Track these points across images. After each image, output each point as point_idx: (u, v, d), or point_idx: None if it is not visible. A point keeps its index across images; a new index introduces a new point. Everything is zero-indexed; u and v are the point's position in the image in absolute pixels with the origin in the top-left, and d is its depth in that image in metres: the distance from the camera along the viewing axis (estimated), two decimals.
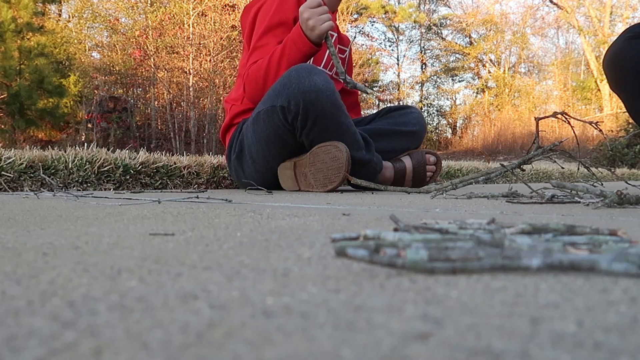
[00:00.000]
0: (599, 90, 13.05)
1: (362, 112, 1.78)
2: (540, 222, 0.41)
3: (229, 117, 1.58)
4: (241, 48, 9.42)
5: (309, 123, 1.32)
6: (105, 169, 1.55)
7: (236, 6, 9.83)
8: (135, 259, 0.35)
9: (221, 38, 8.94)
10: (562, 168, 1.84)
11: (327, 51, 1.53)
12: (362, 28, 14.86)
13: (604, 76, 1.13)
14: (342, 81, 1.31)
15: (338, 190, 1.47)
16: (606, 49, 1.14)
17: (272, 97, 1.34)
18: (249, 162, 1.47)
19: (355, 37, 13.72)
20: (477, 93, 15.55)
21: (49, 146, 2.66)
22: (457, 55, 15.33)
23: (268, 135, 1.39)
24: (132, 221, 0.59)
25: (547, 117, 1.13)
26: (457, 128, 15.16)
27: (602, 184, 1.17)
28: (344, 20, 12.49)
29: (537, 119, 1.13)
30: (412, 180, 1.52)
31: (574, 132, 1.12)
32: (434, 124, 15.36)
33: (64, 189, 1.40)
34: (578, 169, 1.21)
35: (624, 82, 1.06)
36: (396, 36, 15.32)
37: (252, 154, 1.45)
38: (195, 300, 0.24)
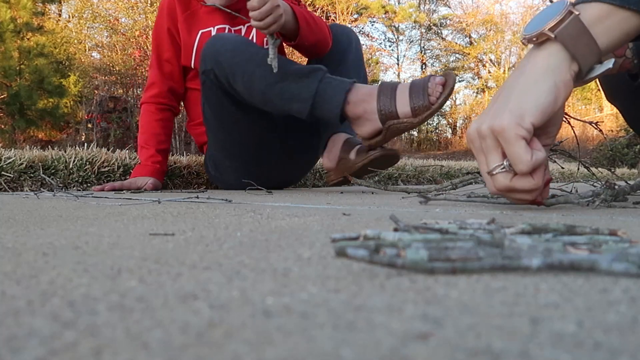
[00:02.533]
0: (599, 90, 13.04)
1: None
2: (540, 222, 0.41)
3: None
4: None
5: (230, 76, 1.22)
6: (106, 169, 1.55)
7: None
8: (135, 259, 0.35)
9: None
10: (562, 168, 1.84)
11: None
12: (362, 28, 14.86)
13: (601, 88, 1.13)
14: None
15: (338, 190, 1.47)
16: None
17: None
18: (228, 170, 1.44)
19: None
20: (477, 93, 15.55)
21: (49, 146, 2.66)
22: (457, 55, 15.34)
23: (220, 121, 1.34)
24: (132, 221, 0.59)
25: None
26: (457, 128, 15.16)
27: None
28: (344, 20, 12.49)
29: None
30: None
31: (574, 132, 1.11)
32: (434, 124, 15.35)
33: (64, 189, 1.40)
34: (578, 169, 1.21)
35: (620, 92, 1.06)
36: (396, 36, 15.32)
37: (225, 160, 1.43)
38: (195, 300, 0.24)
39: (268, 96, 1.18)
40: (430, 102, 1.08)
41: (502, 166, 0.60)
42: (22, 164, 1.42)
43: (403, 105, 1.11)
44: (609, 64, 0.61)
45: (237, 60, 1.21)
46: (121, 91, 9.21)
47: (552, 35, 0.58)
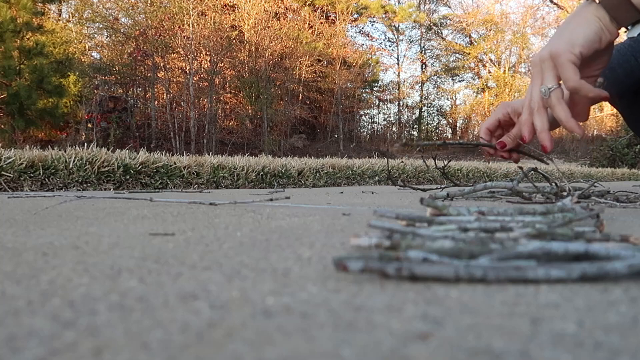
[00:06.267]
0: None
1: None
2: (544, 227, 0.41)
3: None
4: (241, 48, 9.43)
5: None
6: (105, 169, 1.55)
7: (236, 6, 9.84)
8: (135, 259, 0.35)
9: (221, 38, 8.94)
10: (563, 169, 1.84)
11: None
12: (362, 28, 14.87)
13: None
14: None
15: (338, 190, 1.47)
16: None
17: None
18: None
19: (355, 37, 13.71)
20: (477, 93, 15.55)
21: (49, 146, 2.66)
22: (457, 55, 15.34)
23: None
24: (132, 221, 0.59)
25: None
26: (457, 128, 15.18)
27: (600, 184, 1.17)
28: (344, 20, 12.50)
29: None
30: None
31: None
32: (434, 124, 15.37)
33: (64, 189, 1.40)
34: (560, 162, 1.21)
35: (619, 92, 1.05)
36: (396, 36, 15.32)
37: None
38: (195, 300, 0.24)
39: None
40: None
41: (554, 87, 0.70)
42: (22, 164, 1.42)
43: None
44: None
45: None
46: (121, 91, 9.22)
47: (597, 2, 0.69)
